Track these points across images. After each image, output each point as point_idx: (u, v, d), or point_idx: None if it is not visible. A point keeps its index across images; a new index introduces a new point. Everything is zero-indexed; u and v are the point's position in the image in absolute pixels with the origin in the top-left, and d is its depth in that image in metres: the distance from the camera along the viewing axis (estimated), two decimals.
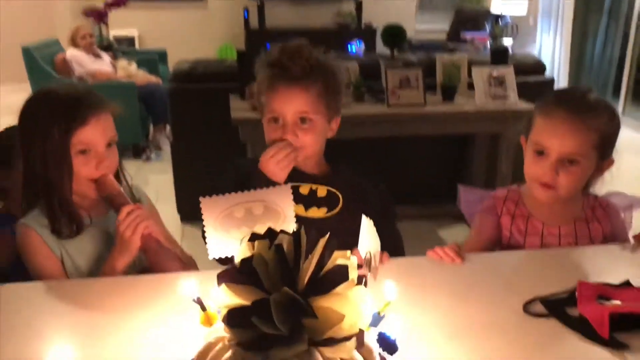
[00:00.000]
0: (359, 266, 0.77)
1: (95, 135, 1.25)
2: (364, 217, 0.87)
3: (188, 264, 1.39)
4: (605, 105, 1.33)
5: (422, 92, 3.13)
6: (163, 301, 1.05)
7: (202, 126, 3.30)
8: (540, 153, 1.30)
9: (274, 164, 1.28)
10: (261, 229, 0.81)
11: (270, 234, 0.76)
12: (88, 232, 1.30)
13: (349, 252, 0.77)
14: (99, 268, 1.27)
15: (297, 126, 1.30)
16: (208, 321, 0.79)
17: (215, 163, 3.51)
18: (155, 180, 4.29)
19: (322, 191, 1.38)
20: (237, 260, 0.74)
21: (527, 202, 1.40)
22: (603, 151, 1.30)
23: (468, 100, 3.22)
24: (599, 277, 1.12)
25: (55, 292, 1.13)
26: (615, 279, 1.10)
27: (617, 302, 1.00)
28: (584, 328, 0.93)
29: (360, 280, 0.75)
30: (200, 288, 0.82)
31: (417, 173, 3.74)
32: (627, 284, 1.07)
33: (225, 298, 0.73)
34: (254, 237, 0.76)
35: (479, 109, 3.11)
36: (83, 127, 1.23)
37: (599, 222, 1.37)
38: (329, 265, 0.74)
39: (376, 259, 0.83)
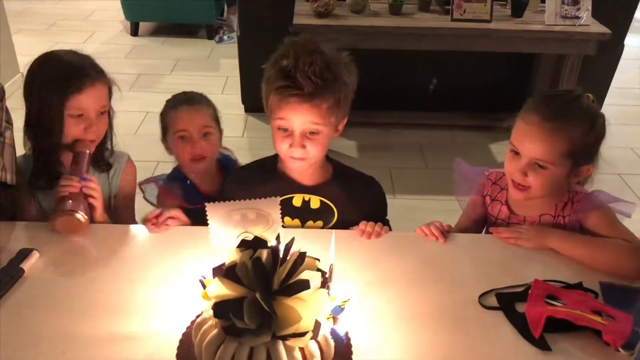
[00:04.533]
0: (325, 274, 0.97)
1: (88, 102, 1.43)
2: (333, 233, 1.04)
3: None
4: (588, 114, 1.32)
5: (490, 6, 3.05)
6: (187, 251, 1.30)
7: (268, 24, 3.39)
8: (515, 153, 1.35)
9: None
10: (253, 231, 1.03)
11: (256, 242, 0.97)
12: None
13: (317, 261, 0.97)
14: None
15: (305, 138, 1.33)
16: (207, 297, 1.03)
17: None
18: (225, 65, 4.48)
19: (315, 202, 1.45)
20: (227, 261, 0.96)
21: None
22: (576, 159, 1.32)
23: (537, 17, 3.12)
24: (565, 271, 1.27)
25: (96, 234, 1.38)
26: (581, 276, 1.24)
27: (562, 303, 1.15)
28: (521, 326, 1.10)
29: (324, 284, 0.96)
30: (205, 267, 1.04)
31: (477, 84, 3.73)
32: (579, 285, 1.21)
33: (217, 288, 0.95)
34: (243, 244, 0.97)
35: (545, 29, 3.03)
36: (79, 94, 1.41)
37: (564, 218, 1.41)
38: (301, 270, 0.95)
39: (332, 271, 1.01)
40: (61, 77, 1.41)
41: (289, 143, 1.34)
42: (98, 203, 1.42)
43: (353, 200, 1.47)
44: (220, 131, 1.75)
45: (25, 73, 1.46)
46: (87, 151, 1.45)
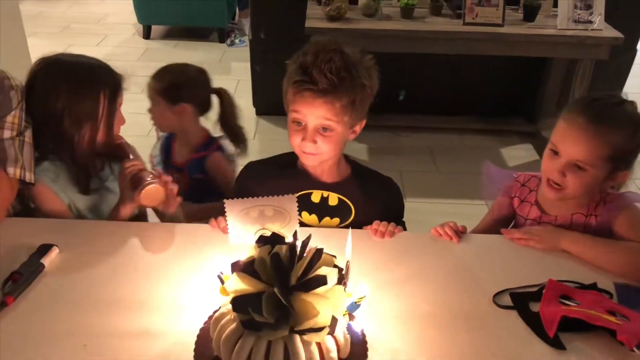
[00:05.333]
0: (341, 270, 0.98)
1: (122, 98, 1.51)
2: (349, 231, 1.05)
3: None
4: (632, 120, 1.32)
5: (502, 10, 3.06)
6: (207, 249, 1.32)
7: (279, 27, 3.42)
8: (555, 152, 1.36)
9: None
10: (271, 227, 1.04)
11: (274, 239, 0.99)
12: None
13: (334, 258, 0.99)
14: (98, 217, 1.51)
15: (317, 133, 1.35)
16: (225, 292, 1.04)
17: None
18: (236, 68, 4.50)
19: (333, 199, 1.47)
20: (246, 256, 0.98)
21: (539, 190, 1.48)
22: (616, 164, 1.32)
23: (549, 21, 3.12)
24: (580, 272, 1.28)
25: (115, 232, 1.39)
26: (595, 277, 1.25)
27: (576, 303, 1.16)
28: (535, 325, 1.11)
29: (341, 280, 0.97)
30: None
31: (488, 88, 3.74)
32: (593, 285, 1.22)
33: (235, 283, 0.97)
34: (261, 240, 0.99)
35: (557, 33, 3.03)
36: (122, 91, 1.48)
37: (596, 217, 1.41)
38: (318, 266, 0.97)
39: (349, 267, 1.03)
40: (112, 78, 1.46)
41: (302, 137, 1.36)
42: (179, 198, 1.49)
43: (371, 199, 1.48)
44: (168, 104, 1.88)
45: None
46: (123, 141, 1.54)
